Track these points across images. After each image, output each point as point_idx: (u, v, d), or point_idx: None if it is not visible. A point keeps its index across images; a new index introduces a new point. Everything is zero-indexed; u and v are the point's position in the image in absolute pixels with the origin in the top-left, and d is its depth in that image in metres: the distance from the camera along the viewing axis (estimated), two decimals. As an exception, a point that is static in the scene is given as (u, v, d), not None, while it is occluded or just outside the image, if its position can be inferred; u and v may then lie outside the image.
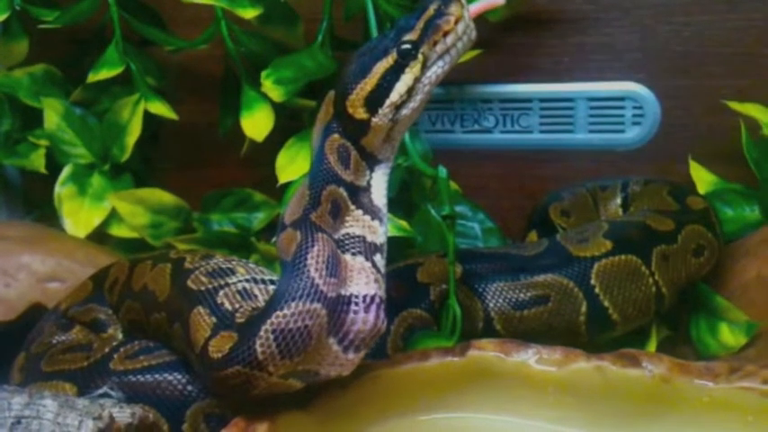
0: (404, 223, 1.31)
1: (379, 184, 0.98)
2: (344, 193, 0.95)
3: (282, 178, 1.38)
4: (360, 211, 0.96)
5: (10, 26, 1.57)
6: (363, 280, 0.91)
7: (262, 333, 0.85)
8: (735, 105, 1.42)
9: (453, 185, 1.36)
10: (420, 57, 0.93)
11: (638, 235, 1.20)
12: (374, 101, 0.93)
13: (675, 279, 1.18)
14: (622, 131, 1.55)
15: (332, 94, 0.97)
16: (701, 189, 1.42)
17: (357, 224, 0.95)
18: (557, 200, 1.43)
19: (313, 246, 0.88)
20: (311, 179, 0.95)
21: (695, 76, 1.51)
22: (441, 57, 0.94)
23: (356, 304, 0.89)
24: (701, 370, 0.94)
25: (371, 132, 0.94)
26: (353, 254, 0.93)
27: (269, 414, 0.90)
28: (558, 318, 1.14)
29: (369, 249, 0.94)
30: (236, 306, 0.93)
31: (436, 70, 0.94)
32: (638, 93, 1.53)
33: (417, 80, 0.93)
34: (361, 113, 0.93)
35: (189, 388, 0.98)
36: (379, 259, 0.95)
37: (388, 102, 0.93)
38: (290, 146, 1.41)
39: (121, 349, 1.05)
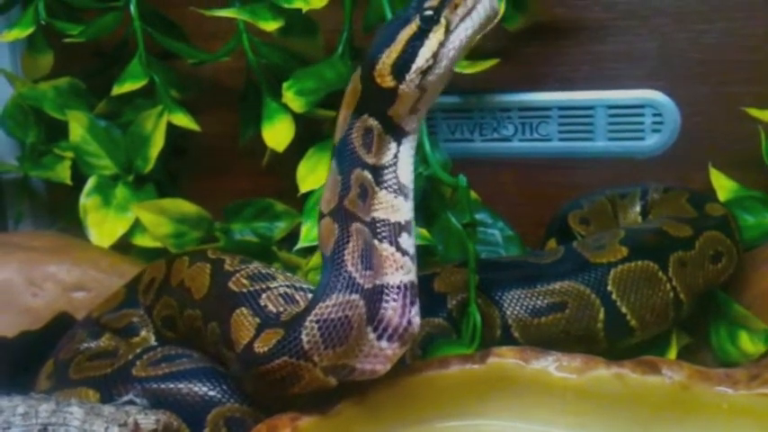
0: (424, 232, 1.31)
1: (405, 159, 0.99)
2: (369, 176, 0.97)
3: (303, 188, 1.39)
4: (383, 192, 0.98)
5: (35, 40, 1.60)
6: (390, 269, 0.94)
7: (307, 324, 0.89)
8: (754, 112, 1.42)
9: (473, 194, 1.37)
10: (443, 21, 0.93)
11: (654, 241, 1.19)
12: (400, 67, 0.94)
13: (693, 285, 1.18)
14: (642, 139, 1.55)
15: (358, 71, 0.98)
16: (721, 196, 1.42)
17: (381, 206, 0.97)
18: (576, 208, 1.43)
19: (348, 241, 0.92)
20: (339, 164, 0.98)
21: (714, 84, 1.51)
22: (462, 20, 0.94)
23: (387, 294, 0.93)
24: (720, 377, 0.94)
25: (398, 101, 0.95)
26: (380, 239, 0.96)
27: (290, 420, 0.91)
28: (576, 324, 1.14)
29: (393, 232, 0.96)
30: (280, 309, 0.97)
31: (459, 34, 0.94)
32: (657, 100, 1.53)
33: (442, 45, 0.94)
34: (388, 82, 0.94)
35: (210, 393, 1.00)
36: (405, 239, 0.97)
37: (414, 67, 0.94)
38: (311, 156, 1.42)
39: (144, 356, 1.07)
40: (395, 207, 0.98)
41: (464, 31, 0.94)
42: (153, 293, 1.17)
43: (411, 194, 0.99)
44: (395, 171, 0.99)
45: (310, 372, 0.90)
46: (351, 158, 0.97)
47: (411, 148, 0.99)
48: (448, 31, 0.94)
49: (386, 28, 0.97)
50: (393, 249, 0.95)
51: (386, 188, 0.98)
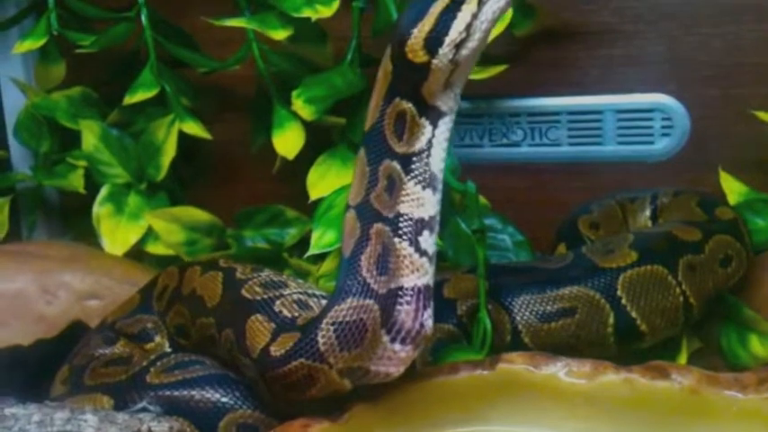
0: (434, 237, 1.32)
1: (439, 144, 0.96)
2: (398, 167, 0.95)
3: (313, 195, 1.40)
4: (411, 183, 0.95)
5: (48, 50, 1.62)
6: (406, 271, 0.93)
7: (323, 326, 0.89)
8: (763, 115, 1.42)
9: (482, 199, 1.37)
10: None
11: (664, 245, 1.20)
12: (434, 41, 0.91)
13: (703, 289, 1.18)
14: (651, 143, 1.55)
15: (387, 52, 0.95)
16: (732, 199, 1.42)
17: (407, 199, 0.95)
18: (586, 212, 1.43)
19: (367, 245, 0.92)
20: (368, 154, 0.96)
21: (724, 87, 1.51)
22: None
23: (401, 297, 0.92)
24: (729, 381, 0.94)
25: (431, 76, 0.92)
26: (401, 238, 0.94)
27: (301, 427, 0.91)
28: (586, 329, 1.14)
29: (415, 229, 0.94)
30: (295, 314, 0.97)
31: (492, 6, 0.91)
32: (666, 104, 1.54)
33: (475, 17, 0.91)
34: (421, 56, 0.91)
35: (222, 400, 1.01)
36: (426, 237, 0.95)
37: (447, 40, 0.90)
38: (321, 162, 1.43)
39: (158, 363, 1.08)
40: (420, 201, 0.95)
41: (497, 3, 0.92)
42: (165, 301, 1.18)
43: (440, 186, 0.96)
44: (427, 159, 0.95)
45: (326, 374, 0.90)
46: (380, 148, 0.95)
47: (447, 131, 0.96)
48: (481, 3, 0.91)
49: (416, 2, 0.94)
50: (411, 250, 0.94)
51: (414, 179, 0.95)
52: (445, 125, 0.95)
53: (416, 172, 0.95)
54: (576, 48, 1.56)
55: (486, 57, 1.47)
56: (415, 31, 0.91)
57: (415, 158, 0.95)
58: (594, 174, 1.58)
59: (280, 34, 1.42)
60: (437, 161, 0.96)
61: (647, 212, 1.44)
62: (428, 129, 0.95)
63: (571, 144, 1.59)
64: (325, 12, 1.38)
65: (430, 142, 0.95)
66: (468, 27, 0.91)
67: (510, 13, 1.39)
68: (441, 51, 0.91)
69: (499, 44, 1.43)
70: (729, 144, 1.52)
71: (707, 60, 1.51)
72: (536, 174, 1.62)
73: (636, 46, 1.54)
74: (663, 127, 1.54)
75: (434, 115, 0.95)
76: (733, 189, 1.44)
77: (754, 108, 1.44)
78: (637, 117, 1.56)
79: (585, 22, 1.54)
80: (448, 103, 0.95)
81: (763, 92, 1.48)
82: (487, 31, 0.92)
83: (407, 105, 0.94)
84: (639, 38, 1.53)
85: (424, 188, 0.95)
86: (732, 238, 1.24)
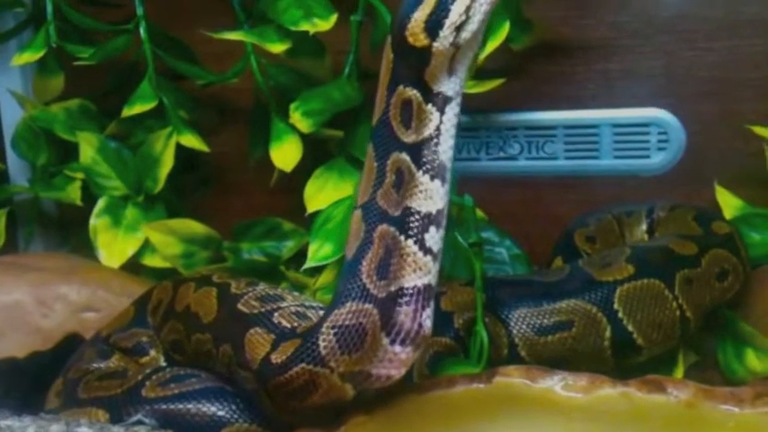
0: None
1: (447, 131, 0.94)
2: (407, 158, 0.94)
3: (311, 208, 1.40)
4: (420, 173, 0.93)
5: (46, 62, 1.62)
6: (408, 270, 0.93)
7: (323, 330, 0.90)
8: (759, 130, 1.42)
9: (479, 212, 1.37)
10: None
11: (660, 259, 1.20)
12: (434, 24, 0.90)
13: (700, 303, 1.18)
14: (647, 157, 1.56)
15: (388, 40, 0.95)
16: (728, 214, 1.42)
17: (416, 191, 0.93)
18: (582, 226, 1.43)
19: (369, 249, 0.92)
20: (375, 148, 0.95)
21: (720, 102, 1.52)
22: None
23: (401, 297, 0.92)
24: (726, 395, 0.94)
25: (434, 60, 0.91)
26: (407, 235, 0.93)
27: (298, 440, 0.92)
28: (583, 343, 1.14)
29: (422, 226, 0.93)
30: (294, 324, 0.97)
31: None
32: (662, 118, 1.54)
33: None
34: (422, 40, 0.90)
35: (219, 413, 1.01)
36: (432, 233, 0.94)
37: (447, 23, 0.89)
38: (318, 175, 1.43)
39: (154, 377, 1.08)
40: (429, 193, 0.94)
41: None
42: (160, 317, 1.18)
43: (448, 177, 0.95)
44: (435, 147, 0.93)
45: (328, 378, 0.90)
46: (388, 141, 0.94)
47: (455, 117, 0.94)
48: None
49: None
50: (416, 248, 0.93)
51: (423, 169, 0.93)
52: (452, 110, 0.94)
53: (425, 160, 0.93)
54: (573, 62, 1.56)
55: (484, 71, 1.47)
56: (415, 14, 0.90)
57: (423, 147, 0.94)
58: (591, 187, 1.59)
59: (278, 47, 1.43)
60: (446, 149, 0.94)
61: (644, 226, 1.44)
62: (435, 115, 0.93)
63: (568, 158, 1.59)
64: (324, 25, 1.39)
65: (438, 129, 0.94)
66: (468, 9, 0.90)
67: (507, 27, 1.40)
68: (441, 34, 0.90)
69: (496, 58, 1.44)
70: (725, 158, 1.52)
71: (703, 75, 1.52)
72: (533, 187, 1.62)
73: (632, 60, 1.54)
74: (659, 141, 1.55)
75: (440, 101, 0.94)
76: (729, 203, 1.44)
77: (750, 122, 1.45)
78: (633, 131, 1.56)
79: (582, 37, 1.55)
80: (453, 87, 0.94)
81: (758, 107, 1.49)
82: (487, 14, 0.91)
83: (412, 92, 0.93)
84: (636, 52, 1.54)
85: (432, 178, 0.93)
86: (728, 252, 1.24)
